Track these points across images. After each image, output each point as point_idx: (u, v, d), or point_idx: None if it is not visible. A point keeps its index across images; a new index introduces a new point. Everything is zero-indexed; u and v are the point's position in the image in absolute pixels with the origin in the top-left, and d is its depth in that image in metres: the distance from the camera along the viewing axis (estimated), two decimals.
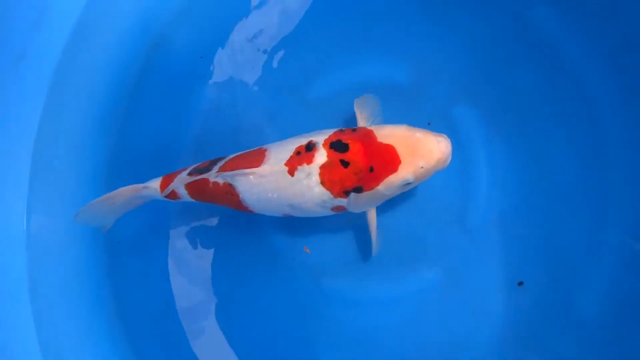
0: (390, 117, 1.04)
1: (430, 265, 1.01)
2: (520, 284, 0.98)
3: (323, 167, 0.84)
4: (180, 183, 0.95)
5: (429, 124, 1.05)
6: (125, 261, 1.09)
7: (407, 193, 0.96)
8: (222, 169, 0.90)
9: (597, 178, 0.99)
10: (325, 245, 1.05)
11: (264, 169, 0.87)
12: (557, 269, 0.98)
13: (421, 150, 0.83)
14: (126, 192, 0.98)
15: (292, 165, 0.85)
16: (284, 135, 1.07)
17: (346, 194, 0.86)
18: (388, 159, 0.83)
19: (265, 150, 0.91)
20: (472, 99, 1.06)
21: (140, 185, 0.98)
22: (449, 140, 0.85)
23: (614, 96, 1.01)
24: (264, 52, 1.16)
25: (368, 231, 0.96)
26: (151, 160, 1.12)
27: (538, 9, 1.06)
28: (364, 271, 1.03)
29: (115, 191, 0.98)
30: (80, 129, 1.11)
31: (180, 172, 0.97)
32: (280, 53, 1.15)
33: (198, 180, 0.93)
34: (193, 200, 0.98)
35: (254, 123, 1.13)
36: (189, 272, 1.08)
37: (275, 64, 1.15)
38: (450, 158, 0.86)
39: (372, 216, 0.94)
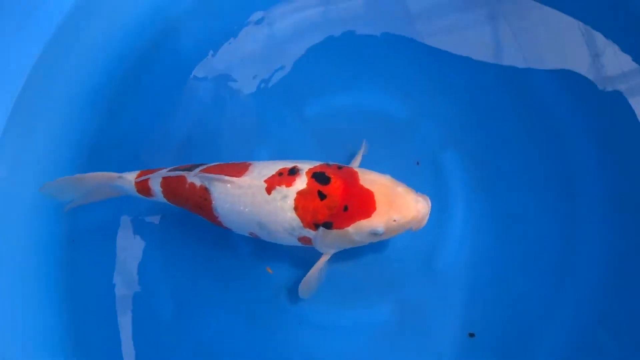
0: (378, 148, 1.05)
1: (388, 299, 1.00)
2: (472, 335, 0.96)
3: (300, 194, 0.84)
4: (157, 177, 0.95)
5: (417, 163, 1.05)
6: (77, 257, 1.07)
7: None
8: (203, 172, 0.90)
9: (566, 241, 1.00)
10: (290, 266, 1.04)
11: (244, 180, 0.87)
12: (514, 326, 0.97)
13: (398, 204, 0.82)
14: (100, 178, 0.98)
15: (271, 184, 0.85)
16: (272, 147, 1.10)
17: (316, 226, 0.85)
18: (364, 203, 0.82)
19: (250, 164, 0.91)
20: (461, 146, 1.07)
21: (116, 175, 0.97)
22: (428, 202, 0.84)
23: (592, 167, 1.03)
24: (263, 63, 1.18)
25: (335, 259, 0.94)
26: (133, 157, 1.12)
27: (539, 83, 1.09)
28: (324, 296, 1.01)
29: (89, 173, 0.98)
30: (59, 118, 1.11)
31: (159, 169, 0.97)
32: (279, 68, 1.17)
33: (175, 178, 0.93)
34: (165, 200, 0.97)
35: (244, 131, 1.14)
36: (141, 281, 1.07)
37: (273, 77, 1.17)
38: (425, 220, 0.85)
39: (324, 258, 0.92)
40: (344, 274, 1.01)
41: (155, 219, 1.10)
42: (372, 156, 1.03)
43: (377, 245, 1.01)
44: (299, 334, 1.01)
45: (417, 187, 0.88)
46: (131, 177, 0.97)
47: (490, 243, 1.02)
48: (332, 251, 0.91)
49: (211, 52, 1.20)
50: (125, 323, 1.04)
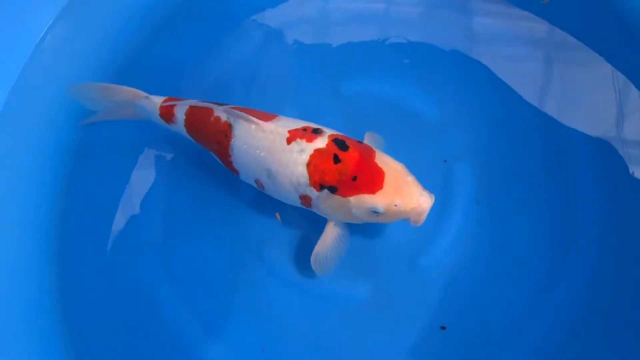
0: (399, 142, 1.08)
1: (367, 283, 1.02)
2: (443, 328, 0.98)
3: (317, 151, 0.86)
4: (184, 104, 0.97)
5: (445, 161, 1.08)
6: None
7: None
8: (233, 108, 0.92)
9: (552, 265, 1.02)
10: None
11: (268, 125, 0.89)
12: (485, 326, 0.99)
13: (403, 191, 0.83)
14: (127, 92, 1.00)
15: (293, 136, 0.87)
16: (300, 110, 1.13)
17: (321, 187, 0.86)
18: (373, 179, 0.84)
19: (277, 116, 0.94)
20: (476, 159, 1.10)
21: (143, 94, 1.00)
22: (432, 199, 0.85)
23: (594, 216, 1.06)
24: (313, 32, 1.22)
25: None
26: (164, 87, 1.10)
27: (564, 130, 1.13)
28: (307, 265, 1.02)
29: (118, 85, 0.99)
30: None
31: (187, 100, 0.99)
32: (326, 41, 1.22)
33: (201, 108, 0.95)
34: (184, 130, 0.98)
35: (275, 88, 1.17)
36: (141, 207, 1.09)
37: (318, 46, 1.22)
38: (425, 216, 0.85)
39: (330, 228, 0.93)
40: None
41: (166, 155, 1.12)
42: (391, 147, 1.05)
43: (369, 231, 1.03)
44: (269, 285, 1.03)
45: (427, 185, 0.89)
46: (158, 100, 0.99)
47: (480, 252, 1.04)
48: (334, 220, 0.92)
49: (269, 8, 1.23)
50: (116, 244, 1.06)
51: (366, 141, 0.98)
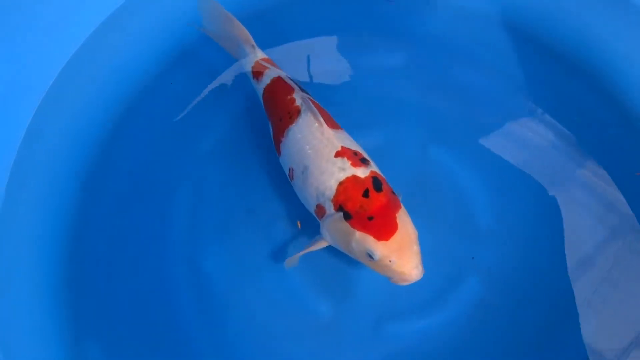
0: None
1: (328, 299, 1.02)
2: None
3: (354, 177, 0.87)
4: (277, 71, 1.02)
5: (472, 258, 1.05)
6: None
7: None
8: (310, 100, 0.96)
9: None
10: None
11: (328, 131, 0.91)
12: None
13: (403, 254, 0.84)
14: (242, 32, 1.06)
15: (343, 153, 0.90)
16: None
17: (339, 209, 0.87)
18: (385, 229, 0.84)
19: (341, 129, 0.97)
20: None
21: (252, 42, 1.06)
22: (421, 276, 0.85)
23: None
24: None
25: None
26: None
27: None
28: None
29: (238, 22, 1.06)
30: None
31: (280, 70, 1.04)
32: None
33: (286, 83, 1.00)
34: (261, 91, 1.03)
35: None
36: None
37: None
38: (405, 284, 0.85)
39: (320, 244, 0.94)
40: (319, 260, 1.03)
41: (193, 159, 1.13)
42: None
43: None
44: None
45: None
46: (259, 54, 1.05)
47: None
48: (329, 241, 0.93)
49: None
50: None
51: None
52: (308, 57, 1.23)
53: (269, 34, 1.19)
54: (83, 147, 1.11)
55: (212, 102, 1.18)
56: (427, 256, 1.01)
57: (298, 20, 1.26)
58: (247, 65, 1.06)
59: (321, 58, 1.22)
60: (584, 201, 1.09)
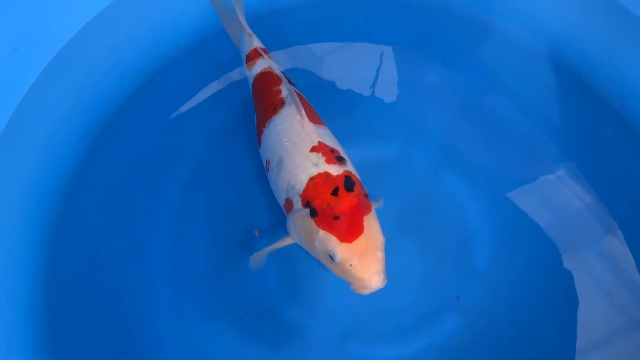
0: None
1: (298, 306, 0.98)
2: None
3: (326, 174, 0.84)
4: (266, 62, 1.02)
5: (457, 297, 0.98)
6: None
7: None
8: (296, 93, 0.95)
9: None
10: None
11: (308, 125, 0.89)
12: None
13: (366, 260, 0.79)
14: (242, 19, 1.06)
15: (319, 149, 0.87)
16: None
17: (306, 205, 0.84)
18: (349, 231, 0.80)
19: (324, 126, 0.95)
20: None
21: (249, 30, 1.05)
22: (382, 285, 0.79)
23: None
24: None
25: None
26: None
27: None
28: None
29: (241, 10, 1.07)
30: None
31: (273, 61, 1.04)
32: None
33: (274, 75, 0.99)
34: (251, 81, 1.03)
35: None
36: None
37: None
38: (366, 292, 0.79)
39: (286, 241, 0.92)
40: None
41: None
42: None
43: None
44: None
45: None
46: (256, 43, 1.05)
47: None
48: (294, 238, 0.90)
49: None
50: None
51: (377, 205, 0.94)
52: (343, 59, 1.20)
53: (308, 32, 1.19)
54: (64, 152, 1.07)
55: (208, 101, 1.16)
56: (412, 283, 0.96)
57: (338, 21, 1.24)
58: (242, 52, 1.07)
59: (353, 63, 1.19)
60: (601, 277, 0.98)
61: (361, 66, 1.18)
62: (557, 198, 1.04)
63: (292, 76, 1.04)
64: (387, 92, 1.16)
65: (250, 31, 1.05)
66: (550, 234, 1.01)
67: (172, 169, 1.09)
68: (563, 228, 1.02)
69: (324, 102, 1.03)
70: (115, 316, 0.96)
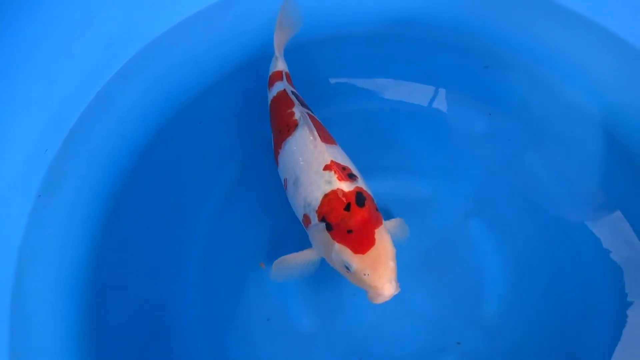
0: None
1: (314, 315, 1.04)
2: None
3: (339, 191, 0.90)
4: (282, 85, 1.07)
5: (458, 343, 1.00)
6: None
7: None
8: (308, 115, 1.00)
9: None
10: None
11: (321, 145, 0.95)
12: None
13: (379, 269, 0.83)
14: (278, 39, 1.11)
15: (331, 167, 0.92)
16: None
17: (322, 220, 0.90)
18: (362, 243, 0.85)
19: (335, 143, 1.00)
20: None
21: (277, 53, 1.10)
22: (395, 292, 0.83)
23: None
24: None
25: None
26: None
27: None
28: None
29: (283, 35, 1.11)
30: None
31: (291, 83, 1.09)
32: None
33: (289, 97, 1.05)
34: (268, 101, 1.08)
35: None
36: None
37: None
38: (380, 300, 0.84)
39: (305, 253, 0.96)
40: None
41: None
42: None
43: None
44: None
45: None
46: (281, 66, 1.11)
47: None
48: (315, 249, 0.95)
49: None
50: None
51: (393, 224, 0.98)
52: (392, 94, 1.23)
53: (364, 64, 1.24)
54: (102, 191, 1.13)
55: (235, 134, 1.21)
56: (419, 318, 1.01)
57: (392, 58, 1.28)
58: (271, 69, 1.12)
59: (401, 99, 1.23)
60: None
61: (408, 103, 1.22)
62: (574, 270, 1.04)
63: (338, 103, 1.10)
64: (429, 132, 1.19)
65: (278, 53, 1.11)
66: (562, 305, 1.01)
67: (214, 179, 1.17)
68: (574, 300, 1.01)
69: (365, 132, 1.08)
70: (146, 316, 1.05)
